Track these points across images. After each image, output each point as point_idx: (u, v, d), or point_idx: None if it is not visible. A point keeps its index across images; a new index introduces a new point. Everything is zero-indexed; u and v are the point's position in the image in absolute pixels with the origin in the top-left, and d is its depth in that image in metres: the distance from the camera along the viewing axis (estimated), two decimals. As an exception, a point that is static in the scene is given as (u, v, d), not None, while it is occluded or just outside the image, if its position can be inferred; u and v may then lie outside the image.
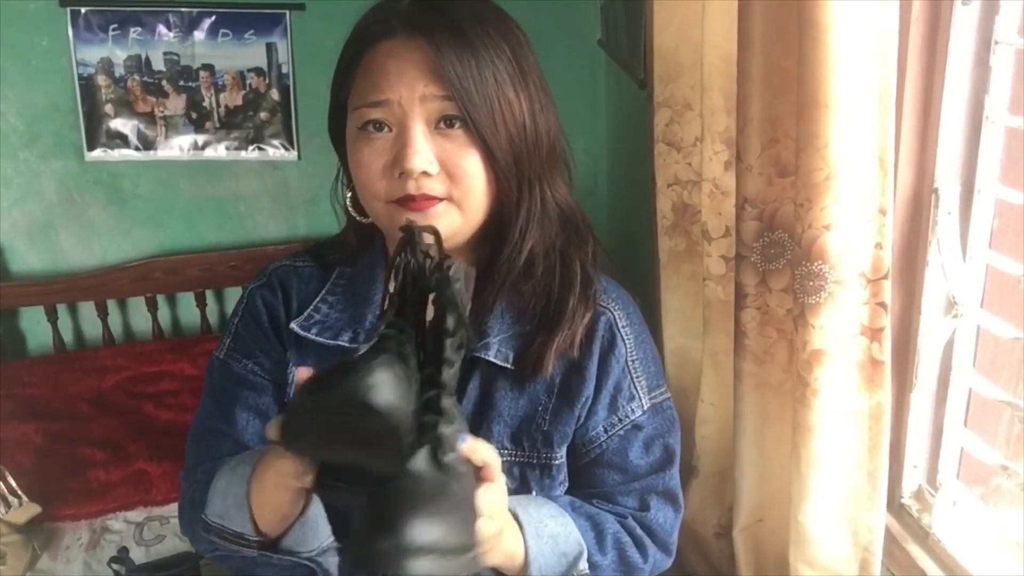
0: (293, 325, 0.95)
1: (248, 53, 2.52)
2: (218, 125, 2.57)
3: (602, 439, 0.94)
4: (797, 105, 1.03)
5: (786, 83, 1.08)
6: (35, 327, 2.62)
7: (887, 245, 1.04)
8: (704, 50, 1.37)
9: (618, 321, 0.94)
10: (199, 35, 2.49)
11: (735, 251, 1.25)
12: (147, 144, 2.56)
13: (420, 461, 0.66)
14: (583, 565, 0.89)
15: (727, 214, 1.41)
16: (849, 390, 1.10)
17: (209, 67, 2.52)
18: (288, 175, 2.65)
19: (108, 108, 2.51)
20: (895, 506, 1.28)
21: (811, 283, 1.06)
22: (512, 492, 0.86)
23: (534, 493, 0.94)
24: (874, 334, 1.07)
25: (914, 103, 1.14)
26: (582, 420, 0.94)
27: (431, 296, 0.72)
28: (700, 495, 1.64)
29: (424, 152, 0.83)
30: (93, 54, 2.46)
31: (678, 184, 1.66)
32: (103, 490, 1.95)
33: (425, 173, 0.83)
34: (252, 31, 2.50)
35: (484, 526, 0.71)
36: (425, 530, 0.62)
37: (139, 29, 2.46)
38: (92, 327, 2.64)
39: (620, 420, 0.94)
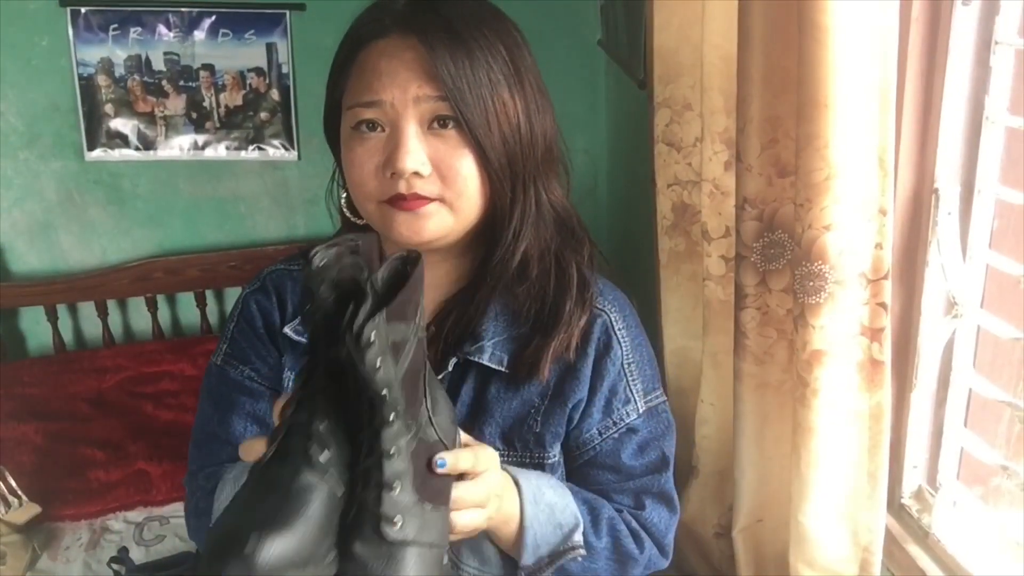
0: (287, 330, 0.95)
1: (248, 53, 2.52)
2: (218, 125, 2.57)
3: (596, 441, 0.94)
4: (797, 105, 1.02)
5: (786, 83, 1.08)
6: (35, 327, 2.62)
7: (887, 245, 1.04)
8: (704, 50, 1.37)
9: (614, 323, 0.94)
10: (199, 35, 2.49)
11: (735, 251, 1.25)
12: (147, 144, 2.56)
13: (365, 544, 0.63)
14: (578, 537, 0.88)
15: (727, 214, 1.41)
16: (849, 390, 1.10)
17: (209, 67, 2.52)
18: (288, 175, 2.65)
19: (108, 108, 2.51)
20: (895, 506, 1.28)
21: (811, 283, 1.06)
22: None
23: None
24: (874, 334, 1.07)
25: (914, 103, 1.14)
26: (576, 422, 0.93)
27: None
28: (700, 495, 1.64)
29: (416, 152, 0.82)
30: (93, 54, 2.46)
31: (678, 184, 1.66)
32: (103, 490, 1.95)
33: (417, 174, 0.82)
34: (252, 31, 2.50)
35: (466, 518, 0.74)
36: None
37: (139, 29, 2.46)
38: (92, 327, 2.64)
39: (615, 423, 0.94)
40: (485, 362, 0.90)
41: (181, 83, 2.52)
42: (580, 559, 0.89)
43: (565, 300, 0.90)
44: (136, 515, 1.91)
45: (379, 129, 0.84)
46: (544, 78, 0.90)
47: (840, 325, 1.07)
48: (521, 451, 0.92)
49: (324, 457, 0.65)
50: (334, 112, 0.89)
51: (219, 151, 2.59)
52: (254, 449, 0.69)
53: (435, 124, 0.83)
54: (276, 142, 2.61)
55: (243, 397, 0.96)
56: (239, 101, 2.56)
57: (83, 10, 2.42)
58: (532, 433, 0.92)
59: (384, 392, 0.63)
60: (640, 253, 2.16)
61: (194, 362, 2.44)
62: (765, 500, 1.36)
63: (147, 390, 2.35)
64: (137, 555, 1.76)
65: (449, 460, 0.71)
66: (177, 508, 1.88)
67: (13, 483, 1.84)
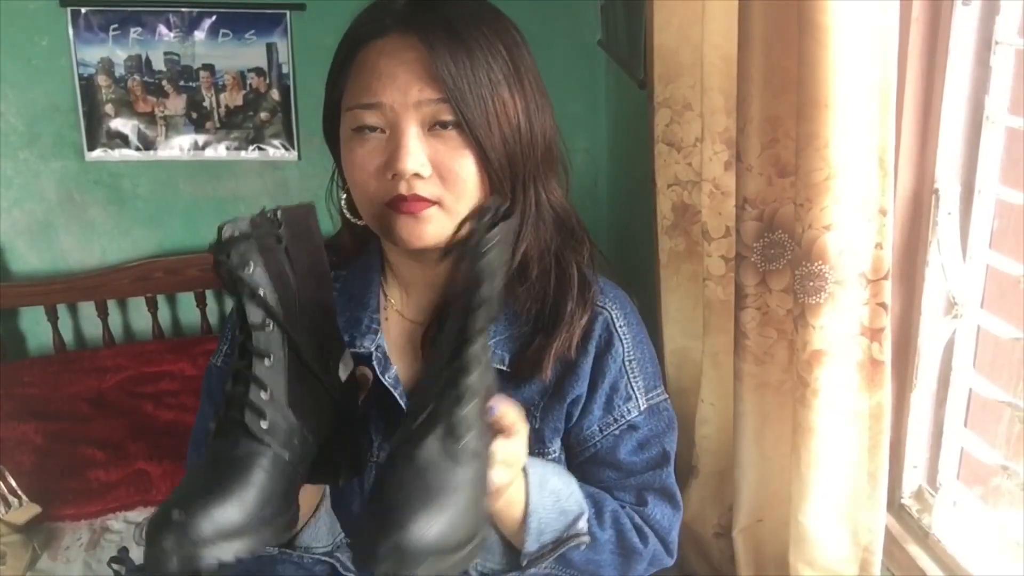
0: None
1: (248, 53, 2.52)
2: (218, 125, 2.57)
3: (597, 438, 0.94)
4: (797, 105, 1.02)
5: (786, 83, 1.08)
6: (35, 327, 2.62)
7: (887, 245, 1.04)
8: (704, 50, 1.37)
9: (615, 321, 0.94)
10: (199, 35, 2.49)
11: (735, 251, 1.25)
12: (147, 144, 2.56)
13: (428, 450, 0.64)
14: (582, 524, 0.89)
15: (727, 214, 1.41)
16: (849, 390, 1.10)
17: (209, 67, 2.52)
18: (288, 175, 2.65)
19: (108, 108, 2.51)
20: (895, 506, 1.28)
21: (811, 283, 1.06)
22: None
23: None
24: (874, 334, 1.07)
25: (914, 103, 1.14)
26: (576, 418, 0.94)
27: (462, 264, 0.68)
28: (700, 495, 1.64)
29: (417, 154, 0.82)
30: (93, 54, 2.46)
31: (678, 184, 1.66)
32: (103, 490, 1.95)
33: (417, 175, 0.82)
34: (252, 31, 2.50)
35: (497, 475, 0.73)
36: (426, 530, 0.60)
37: (139, 29, 2.46)
38: (92, 327, 2.64)
39: (616, 420, 0.94)
40: None
41: (181, 83, 2.52)
42: (583, 547, 0.89)
43: (566, 300, 0.90)
44: (136, 515, 1.91)
45: (379, 130, 0.84)
46: (544, 78, 0.90)
47: (840, 325, 1.07)
48: None
49: (264, 424, 0.67)
50: (333, 112, 0.89)
51: (219, 151, 2.59)
52: None
53: (436, 125, 0.83)
54: (276, 142, 2.61)
55: None
56: (239, 101, 2.56)
57: (83, 10, 2.42)
58: (531, 429, 0.92)
59: (489, 295, 0.67)
60: (640, 253, 2.16)
61: (194, 362, 2.44)
62: (765, 500, 1.36)
63: (147, 390, 2.35)
64: (137, 555, 1.75)
65: (500, 408, 0.72)
66: (177, 508, 1.88)
67: (13, 483, 1.84)
